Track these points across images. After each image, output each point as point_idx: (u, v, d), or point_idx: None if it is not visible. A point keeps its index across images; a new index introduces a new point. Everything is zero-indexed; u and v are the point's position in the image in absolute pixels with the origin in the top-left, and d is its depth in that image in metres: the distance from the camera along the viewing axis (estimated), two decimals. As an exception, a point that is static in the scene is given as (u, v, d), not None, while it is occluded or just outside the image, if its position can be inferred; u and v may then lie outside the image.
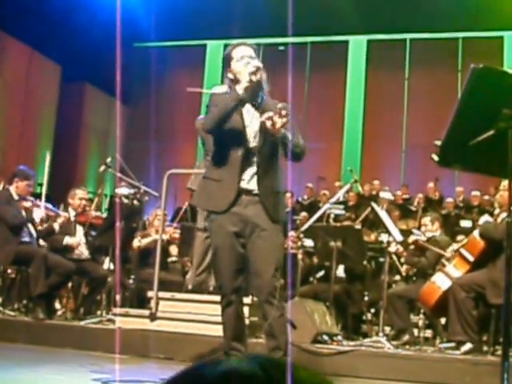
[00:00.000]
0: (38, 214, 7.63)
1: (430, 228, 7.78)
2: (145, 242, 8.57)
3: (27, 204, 7.59)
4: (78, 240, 7.77)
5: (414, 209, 12.86)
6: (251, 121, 4.25)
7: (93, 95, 18.19)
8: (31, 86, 16.12)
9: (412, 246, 7.75)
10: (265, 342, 4.24)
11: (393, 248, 7.57)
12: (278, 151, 4.23)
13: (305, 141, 4.31)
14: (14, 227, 7.35)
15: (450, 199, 13.73)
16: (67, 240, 7.70)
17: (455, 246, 7.16)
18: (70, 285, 8.12)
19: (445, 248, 7.26)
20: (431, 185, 14.03)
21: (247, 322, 6.20)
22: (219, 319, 5.98)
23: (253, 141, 4.23)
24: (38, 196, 8.14)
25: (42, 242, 7.89)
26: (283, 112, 3.96)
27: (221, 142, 4.30)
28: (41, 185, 8.70)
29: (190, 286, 6.96)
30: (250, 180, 4.22)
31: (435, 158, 3.06)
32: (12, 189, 7.56)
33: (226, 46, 16.32)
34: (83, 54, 15.88)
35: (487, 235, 6.44)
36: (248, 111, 4.28)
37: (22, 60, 15.86)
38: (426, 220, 7.92)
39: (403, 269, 8.01)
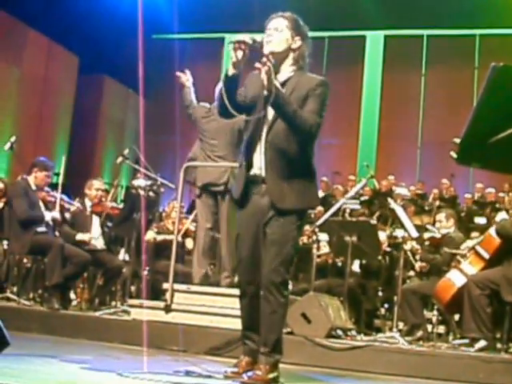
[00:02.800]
0: (50, 215, 7.64)
1: (444, 224, 7.75)
2: (161, 237, 8.60)
3: (44, 194, 7.64)
4: (90, 235, 7.78)
5: (427, 208, 12.81)
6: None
7: (110, 87, 18.22)
8: (49, 77, 16.16)
9: (427, 243, 7.73)
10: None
11: (408, 246, 7.56)
12: (293, 133, 3.98)
13: (314, 123, 3.99)
14: (21, 222, 7.38)
15: (468, 195, 13.69)
16: (79, 236, 7.72)
17: (470, 242, 7.15)
18: (85, 275, 8.16)
19: (459, 245, 7.24)
20: (446, 181, 13.99)
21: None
22: (234, 312, 6.00)
23: (268, 122, 4.08)
24: (54, 186, 8.17)
25: (57, 233, 7.93)
26: (263, 61, 3.80)
27: (245, 125, 4.21)
28: (57, 174, 8.72)
29: (196, 280, 6.94)
30: (261, 166, 4.08)
31: (454, 155, 3.05)
32: (30, 179, 7.60)
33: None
34: (101, 45, 15.90)
35: (504, 232, 6.43)
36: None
37: (41, 51, 15.91)
38: (441, 216, 7.88)
39: (417, 265, 7.99)
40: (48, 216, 7.57)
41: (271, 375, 3.98)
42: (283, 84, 4.06)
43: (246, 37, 3.90)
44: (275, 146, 4.02)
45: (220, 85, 4.03)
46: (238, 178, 4.22)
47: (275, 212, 4.02)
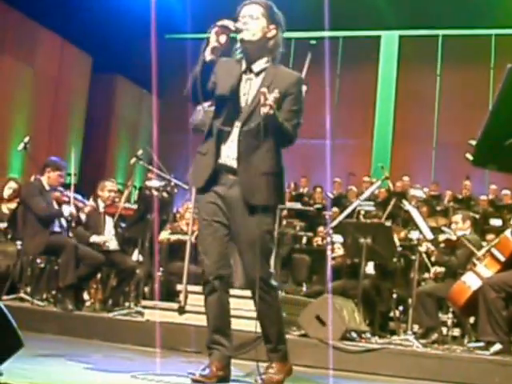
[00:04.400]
0: (67, 210, 7.66)
1: (460, 226, 7.67)
2: (175, 237, 8.57)
3: (57, 195, 7.64)
4: (105, 239, 7.77)
5: (439, 208, 12.74)
6: (248, 91, 3.90)
7: (123, 86, 18.21)
8: (62, 76, 16.17)
9: (442, 245, 7.67)
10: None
11: (423, 248, 7.51)
12: (271, 127, 3.77)
13: (296, 129, 3.84)
14: (42, 220, 7.38)
15: (483, 197, 13.61)
16: (94, 238, 7.71)
17: (486, 245, 7.09)
18: (98, 276, 8.15)
19: (475, 247, 7.18)
20: (467, 182, 13.91)
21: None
22: (248, 314, 5.98)
23: (244, 112, 3.87)
24: (67, 186, 8.17)
25: (70, 234, 7.93)
26: (265, 99, 3.60)
27: (215, 113, 3.96)
28: (70, 175, 8.73)
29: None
30: (233, 156, 3.86)
31: (470, 157, 3.01)
32: (44, 179, 7.60)
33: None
34: (114, 45, 15.90)
35: (520, 235, 6.38)
36: (248, 80, 3.92)
37: (54, 50, 15.91)
38: (458, 218, 7.80)
39: (432, 270, 7.94)
40: (66, 211, 7.58)
41: (285, 369, 3.97)
42: (258, 74, 3.90)
43: (230, 23, 3.73)
44: (250, 138, 3.83)
45: (196, 69, 3.79)
46: (202, 165, 3.94)
47: (246, 208, 3.83)
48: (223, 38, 3.72)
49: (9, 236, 8.27)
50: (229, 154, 3.87)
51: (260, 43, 3.89)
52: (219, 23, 3.70)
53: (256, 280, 3.80)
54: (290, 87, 3.86)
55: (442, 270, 7.82)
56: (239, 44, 3.91)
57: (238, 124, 3.87)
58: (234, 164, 3.85)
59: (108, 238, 7.88)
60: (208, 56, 3.74)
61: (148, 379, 3.66)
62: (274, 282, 3.92)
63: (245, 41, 3.85)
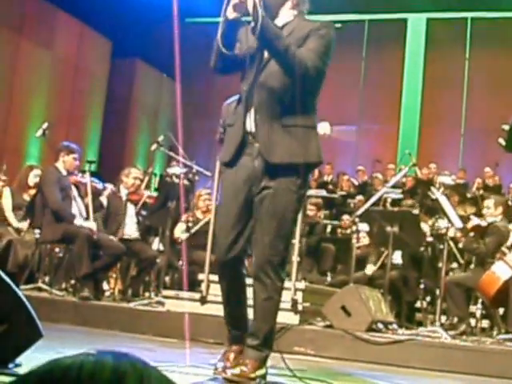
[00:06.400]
0: (87, 224, 7.40)
1: (492, 211, 7.42)
2: (185, 235, 8.41)
3: (75, 178, 7.54)
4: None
5: (469, 195, 12.52)
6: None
7: (143, 71, 18.09)
8: (82, 61, 16.09)
9: (472, 233, 7.48)
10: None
11: (451, 233, 7.31)
12: (286, 71, 3.40)
13: (311, 62, 3.40)
14: (53, 212, 7.26)
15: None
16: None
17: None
18: (118, 265, 8.05)
19: (505, 234, 7.00)
20: (489, 170, 13.66)
21: (300, 307, 6.06)
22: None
23: (264, 70, 3.50)
24: (84, 173, 8.05)
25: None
26: None
27: (242, 78, 3.57)
28: (90, 162, 8.65)
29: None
30: (255, 120, 3.47)
31: (502, 142, 2.84)
32: (59, 165, 7.49)
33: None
34: (134, 29, 15.80)
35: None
36: None
37: (73, 35, 15.84)
38: (490, 203, 7.53)
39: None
40: (82, 221, 7.33)
41: (259, 372, 3.45)
42: (282, 28, 3.51)
43: None
44: (267, 88, 3.45)
45: (218, 32, 3.42)
46: (231, 137, 3.59)
47: (267, 173, 3.43)
48: None
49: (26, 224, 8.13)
50: (252, 118, 3.49)
51: None
52: None
53: (264, 261, 3.43)
54: (314, 29, 3.49)
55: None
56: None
57: (255, 81, 3.50)
58: (254, 128, 3.49)
59: (127, 223, 7.75)
60: (230, 14, 3.39)
61: (169, 370, 3.53)
62: (282, 272, 3.53)
63: None
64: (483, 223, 7.37)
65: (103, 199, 7.82)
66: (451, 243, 7.76)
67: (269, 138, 3.42)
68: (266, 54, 3.52)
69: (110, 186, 7.86)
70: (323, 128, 6.45)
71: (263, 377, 3.50)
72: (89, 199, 7.48)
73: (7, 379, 2.68)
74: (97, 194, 7.78)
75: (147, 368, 0.97)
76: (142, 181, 8.30)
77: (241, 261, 3.60)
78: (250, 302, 3.64)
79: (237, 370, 3.45)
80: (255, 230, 3.50)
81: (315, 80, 3.50)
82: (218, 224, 3.72)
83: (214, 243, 7.30)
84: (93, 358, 0.96)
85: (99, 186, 7.85)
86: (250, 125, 3.50)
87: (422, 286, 8.18)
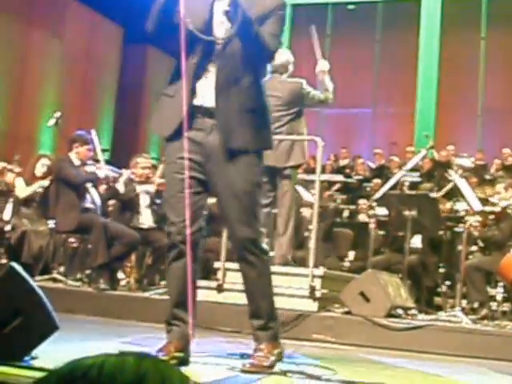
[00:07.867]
0: (102, 172, 7.50)
1: (503, 195, 7.41)
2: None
3: (89, 168, 7.50)
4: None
5: (488, 177, 12.37)
6: (224, 20, 3.40)
7: (155, 58, 17.99)
8: (93, 48, 16.04)
9: (492, 216, 7.42)
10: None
11: (471, 219, 7.26)
12: (250, 55, 3.37)
13: (274, 41, 3.42)
14: (79, 189, 7.24)
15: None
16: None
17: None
18: (133, 255, 8.01)
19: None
20: (507, 150, 13.49)
21: (318, 294, 5.99)
22: (288, 291, 5.79)
23: (220, 45, 3.40)
24: (97, 161, 8.02)
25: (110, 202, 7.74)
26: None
27: (186, 49, 3.40)
28: (103, 150, 8.61)
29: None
30: (210, 96, 3.38)
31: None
32: (72, 155, 7.45)
33: (293, 5, 15.76)
34: (146, 15, 15.69)
35: None
36: (221, 4, 3.40)
37: (84, 22, 15.79)
38: (500, 187, 7.55)
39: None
40: (101, 173, 7.42)
41: (275, 352, 3.45)
42: None
43: None
44: (227, 71, 3.38)
45: None
46: (170, 109, 3.45)
47: (226, 154, 3.36)
48: None
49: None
50: (205, 93, 3.40)
51: None
52: None
53: (242, 240, 3.40)
54: (274, 9, 3.43)
55: None
56: None
57: (213, 58, 3.43)
58: (211, 104, 3.38)
59: (142, 212, 7.71)
60: None
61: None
62: (264, 245, 3.52)
63: None
64: (497, 208, 7.32)
65: (120, 186, 7.76)
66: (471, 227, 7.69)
67: (229, 124, 3.37)
68: (223, 33, 3.43)
69: (127, 172, 7.80)
70: (322, 65, 6.27)
71: (279, 356, 3.49)
72: (98, 151, 7.60)
73: (23, 372, 2.69)
74: (113, 181, 7.73)
75: (169, 368, 0.99)
76: (150, 168, 8.20)
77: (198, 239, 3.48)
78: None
79: (254, 360, 3.40)
80: (223, 210, 3.47)
81: (271, 61, 3.64)
82: (167, 206, 3.56)
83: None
84: (114, 358, 0.99)
85: (115, 174, 7.79)
86: (201, 100, 3.41)
87: (441, 271, 8.12)
